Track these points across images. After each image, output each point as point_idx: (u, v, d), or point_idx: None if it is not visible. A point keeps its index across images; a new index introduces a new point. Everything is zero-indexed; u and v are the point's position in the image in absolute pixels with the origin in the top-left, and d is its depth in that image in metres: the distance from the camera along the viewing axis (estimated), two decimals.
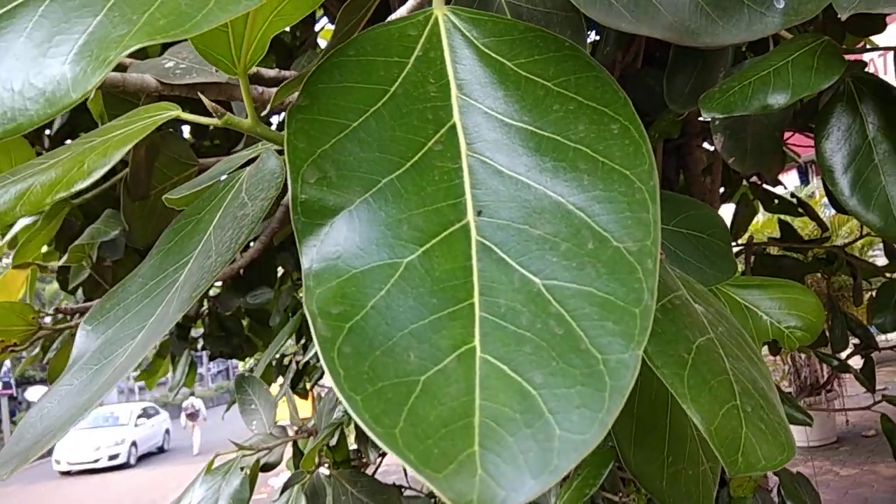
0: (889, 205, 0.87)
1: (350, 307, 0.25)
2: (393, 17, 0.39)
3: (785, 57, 0.87)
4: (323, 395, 1.66)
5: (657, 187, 0.27)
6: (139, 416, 17.26)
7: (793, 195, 2.06)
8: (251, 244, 1.19)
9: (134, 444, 16.00)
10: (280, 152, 0.46)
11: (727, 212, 2.14)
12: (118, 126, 0.48)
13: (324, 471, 1.28)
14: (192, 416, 15.06)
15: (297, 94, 0.32)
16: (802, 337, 0.63)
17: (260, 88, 0.71)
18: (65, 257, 0.83)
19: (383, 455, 1.72)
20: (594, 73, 0.31)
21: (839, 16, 0.84)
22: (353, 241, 0.27)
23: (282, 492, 1.06)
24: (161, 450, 17.35)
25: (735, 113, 0.83)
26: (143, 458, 16.32)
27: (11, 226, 1.19)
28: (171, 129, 1.03)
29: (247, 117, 0.48)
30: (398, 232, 0.27)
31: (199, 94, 0.51)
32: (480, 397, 0.22)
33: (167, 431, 18.26)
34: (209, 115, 0.48)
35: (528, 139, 0.29)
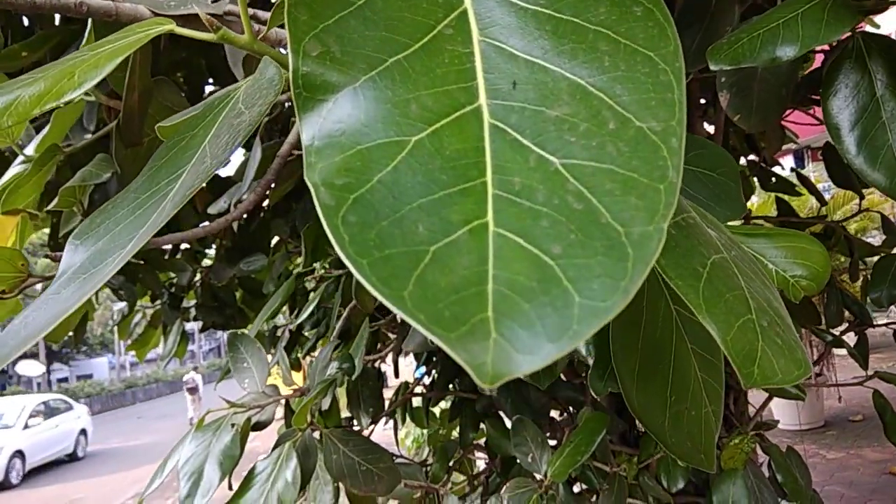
0: (895, 163, 0.86)
1: (355, 180, 0.23)
2: None
3: (795, 9, 0.85)
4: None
5: (682, 69, 0.26)
6: (33, 415, 12.80)
7: (793, 170, 2.05)
8: (244, 198, 1.17)
9: (19, 454, 11.75)
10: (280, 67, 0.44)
11: None
12: (110, 41, 0.46)
13: (318, 434, 1.27)
14: (192, 390, 15.03)
15: None
16: (808, 286, 0.62)
17: (256, 26, 0.69)
18: (55, 200, 0.81)
19: (374, 422, 1.72)
20: None
21: None
22: (357, 119, 0.25)
23: (273, 449, 1.05)
24: (73, 457, 13.33)
25: (743, 64, 0.81)
26: (40, 470, 12.27)
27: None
28: (164, 78, 1.01)
29: (244, 34, 0.46)
30: (406, 111, 0.25)
31: (194, 5, 0.49)
32: (494, 267, 0.21)
33: (83, 432, 13.93)
34: (206, 30, 0.46)
35: (545, 22, 0.28)
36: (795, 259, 0.62)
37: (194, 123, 0.44)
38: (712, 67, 0.80)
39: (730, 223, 0.64)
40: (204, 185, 0.37)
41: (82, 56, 0.45)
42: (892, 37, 0.95)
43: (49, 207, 0.78)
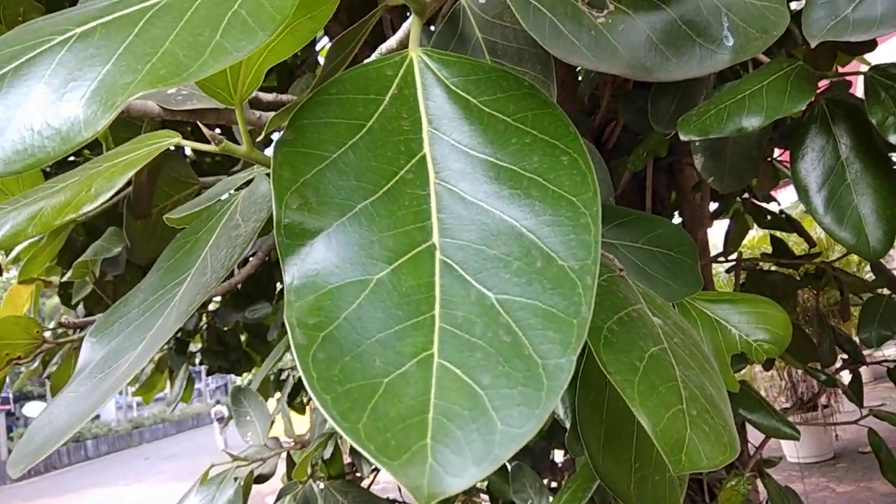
0: (861, 223, 0.91)
1: (325, 318, 0.28)
2: (372, 57, 0.43)
3: (760, 81, 0.91)
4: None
5: (599, 212, 0.31)
6: None
7: (782, 212, 2.10)
8: (250, 259, 1.22)
9: None
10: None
11: (721, 229, 2.18)
12: (122, 152, 0.52)
13: (319, 484, 1.31)
14: (221, 420, 15.10)
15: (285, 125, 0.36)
16: (770, 349, 0.66)
17: (258, 113, 0.75)
18: (69, 273, 0.86)
19: (377, 470, 1.75)
20: (549, 111, 0.35)
21: (810, 44, 0.89)
22: (329, 260, 0.30)
23: (275, 502, 1.09)
24: None
25: (711, 135, 0.86)
26: None
27: None
28: (172, 152, 1.07)
29: (243, 144, 0.52)
30: (370, 252, 0.31)
31: (198, 123, 0.55)
32: (435, 396, 0.26)
33: None
34: (208, 140, 0.52)
35: (489, 169, 0.33)
36: (758, 324, 0.67)
37: (197, 227, 0.49)
38: (682, 138, 0.86)
39: (697, 293, 0.69)
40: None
41: (97, 168, 0.50)
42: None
43: (63, 279, 0.83)
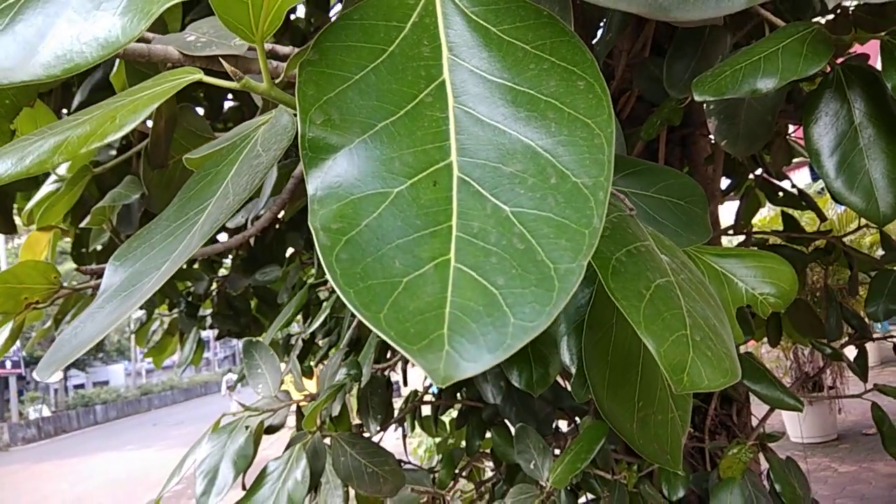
0: (871, 187, 0.91)
1: (347, 224, 0.30)
2: None
3: (776, 44, 0.91)
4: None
5: (613, 133, 0.32)
6: None
7: (794, 186, 2.10)
8: (261, 215, 1.23)
9: None
10: (293, 114, 0.51)
11: (732, 210, 2.18)
12: (146, 87, 0.53)
13: (327, 440, 1.34)
14: (232, 387, 15.38)
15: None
16: (775, 303, 0.68)
17: (275, 63, 0.76)
18: (87, 219, 0.88)
19: (384, 429, 1.78)
20: (566, 38, 0.36)
21: (828, 6, 0.88)
22: (351, 174, 0.32)
23: (284, 451, 1.12)
24: None
25: (725, 96, 0.87)
26: None
27: (30, 198, 1.24)
28: (188, 105, 1.08)
29: (263, 82, 0.53)
30: (391, 167, 0.32)
31: (220, 59, 0.56)
32: (451, 295, 0.27)
33: None
34: (230, 82, 0.53)
35: (507, 93, 0.34)
36: (764, 278, 0.68)
37: (218, 160, 0.50)
38: (697, 98, 0.86)
39: (705, 246, 0.70)
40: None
41: (122, 101, 0.52)
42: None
43: (82, 225, 0.85)
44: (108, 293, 0.44)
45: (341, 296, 0.27)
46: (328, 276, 0.27)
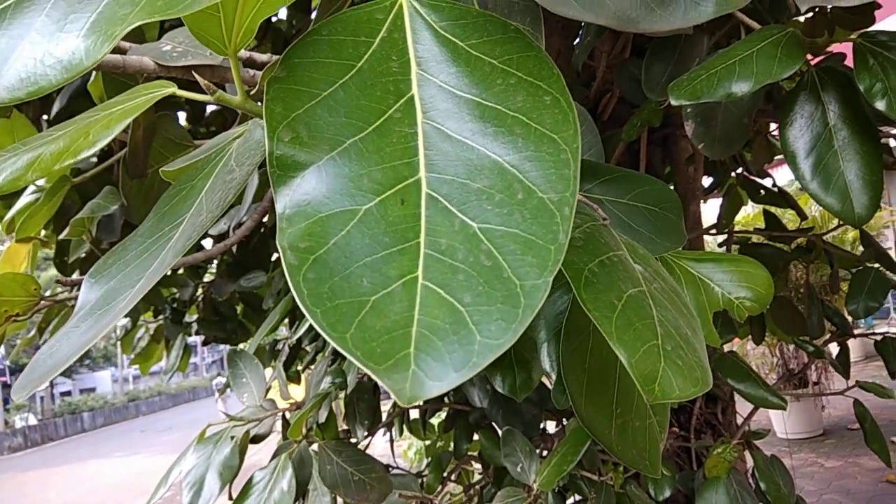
0: (847, 189, 0.92)
1: (315, 243, 0.30)
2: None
3: (750, 47, 0.92)
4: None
5: (579, 149, 0.32)
6: None
7: (774, 184, 2.11)
8: (243, 222, 1.23)
9: None
10: None
11: (714, 208, 2.20)
12: (119, 102, 0.53)
13: (314, 445, 1.33)
14: (221, 391, 15.28)
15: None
16: (751, 307, 0.68)
17: (251, 71, 0.76)
18: (66, 230, 0.88)
19: (371, 434, 1.78)
20: (533, 53, 0.36)
21: (800, 8, 0.90)
22: (320, 192, 0.32)
23: (270, 460, 1.11)
24: None
25: (701, 100, 0.87)
26: None
27: (11, 206, 1.23)
28: (167, 113, 1.08)
29: (237, 95, 0.53)
30: (359, 184, 0.32)
31: (193, 73, 0.56)
32: (419, 313, 0.27)
33: None
34: (204, 95, 0.53)
35: (475, 108, 0.34)
36: (740, 282, 0.69)
37: (193, 175, 0.50)
38: (673, 103, 0.87)
39: (682, 250, 0.70)
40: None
41: (95, 116, 0.51)
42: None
43: (61, 237, 0.84)
44: (84, 311, 0.44)
45: (308, 316, 0.27)
46: (295, 297, 0.27)
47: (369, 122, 0.34)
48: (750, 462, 1.79)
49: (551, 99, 0.34)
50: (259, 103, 0.57)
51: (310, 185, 0.32)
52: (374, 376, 0.25)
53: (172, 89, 0.52)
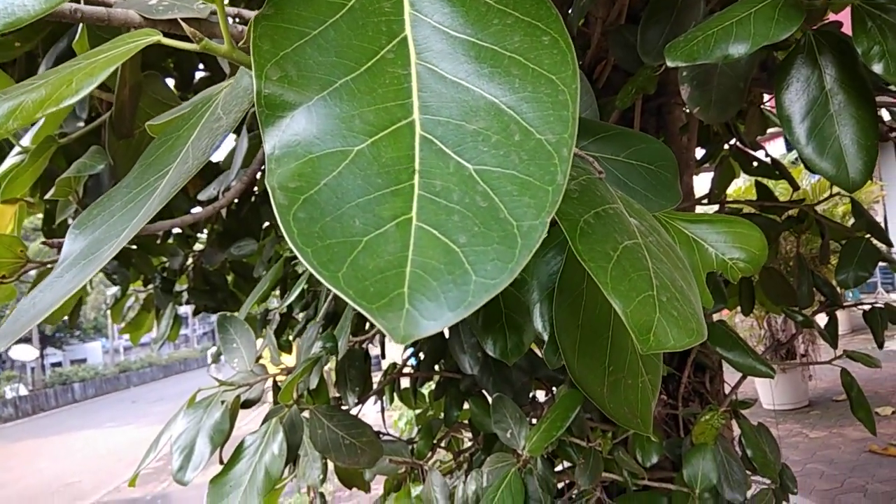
0: (841, 153, 0.92)
1: (306, 183, 0.29)
2: None
3: (748, 8, 0.90)
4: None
5: (578, 90, 0.31)
6: None
7: (767, 155, 2.11)
8: (232, 185, 1.22)
9: None
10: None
11: (707, 180, 2.20)
12: (104, 50, 0.51)
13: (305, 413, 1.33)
14: (215, 358, 15.32)
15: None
16: (745, 268, 0.68)
17: (239, 27, 0.74)
18: (53, 190, 0.86)
19: (362, 402, 1.78)
20: None
21: None
22: (310, 132, 0.31)
23: (261, 425, 1.11)
24: None
25: (698, 61, 0.86)
26: None
27: None
28: (154, 73, 1.05)
29: (224, 43, 0.51)
30: (351, 125, 0.31)
31: (180, 21, 0.54)
32: (412, 253, 0.26)
33: None
34: (190, 44, 0.51)
35: (470, 49, 0.33)
36: (734, 243, 0.68)
37: (179, 125, 0.49)
38: (669, 64, 0.86)
39: (676, 212, 0.70)
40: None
41: (79, 64, 0.50)
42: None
43: (47, 196, 0.83)
44: (68, 261, 0.43)
45: (299, 255, 0.26)
46: (285, 236, 0.26)
47: (361, 62, 0.33)
48: (737, 431, 1.81)
49: (549, 39, 0.33)
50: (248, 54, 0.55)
51: (299, 125, 0.31)
52: (367, 315, 0.24)
53: (157, 37, 0.50)
